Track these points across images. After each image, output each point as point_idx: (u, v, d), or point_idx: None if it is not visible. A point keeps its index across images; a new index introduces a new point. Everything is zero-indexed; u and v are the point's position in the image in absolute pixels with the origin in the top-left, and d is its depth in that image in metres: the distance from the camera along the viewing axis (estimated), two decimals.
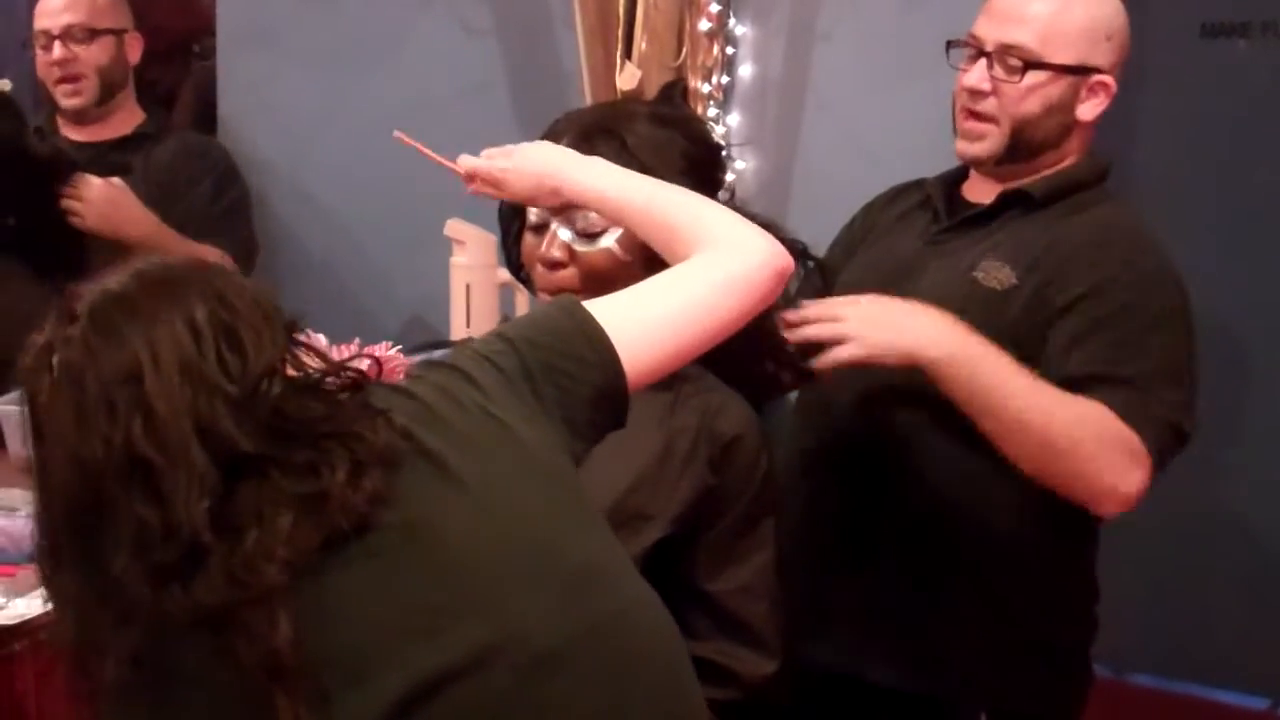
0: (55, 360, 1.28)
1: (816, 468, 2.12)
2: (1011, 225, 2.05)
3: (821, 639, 2.05)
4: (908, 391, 1.96)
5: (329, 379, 1.35)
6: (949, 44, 2.11)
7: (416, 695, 1.28)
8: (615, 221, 1.74)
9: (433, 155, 1.85)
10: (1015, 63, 2.01)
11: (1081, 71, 2.02)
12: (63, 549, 1.29)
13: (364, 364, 1.42)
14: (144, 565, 1.24)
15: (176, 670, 1.27)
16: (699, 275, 1.57)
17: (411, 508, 1.33)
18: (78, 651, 1.29)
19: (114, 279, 1.31)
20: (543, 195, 1.75)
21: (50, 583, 1.32)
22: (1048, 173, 2.07)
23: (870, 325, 1.86)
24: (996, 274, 1.99)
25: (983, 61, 2.04)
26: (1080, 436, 1.86)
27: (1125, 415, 1.87)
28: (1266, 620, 3.04)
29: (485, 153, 1.78)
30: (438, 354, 1.79)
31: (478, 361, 1.45)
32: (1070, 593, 2.09)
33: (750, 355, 1.83)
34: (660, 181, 1.71)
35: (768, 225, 1.68)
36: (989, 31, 2.04)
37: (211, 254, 3.11)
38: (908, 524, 2.04)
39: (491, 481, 1.37)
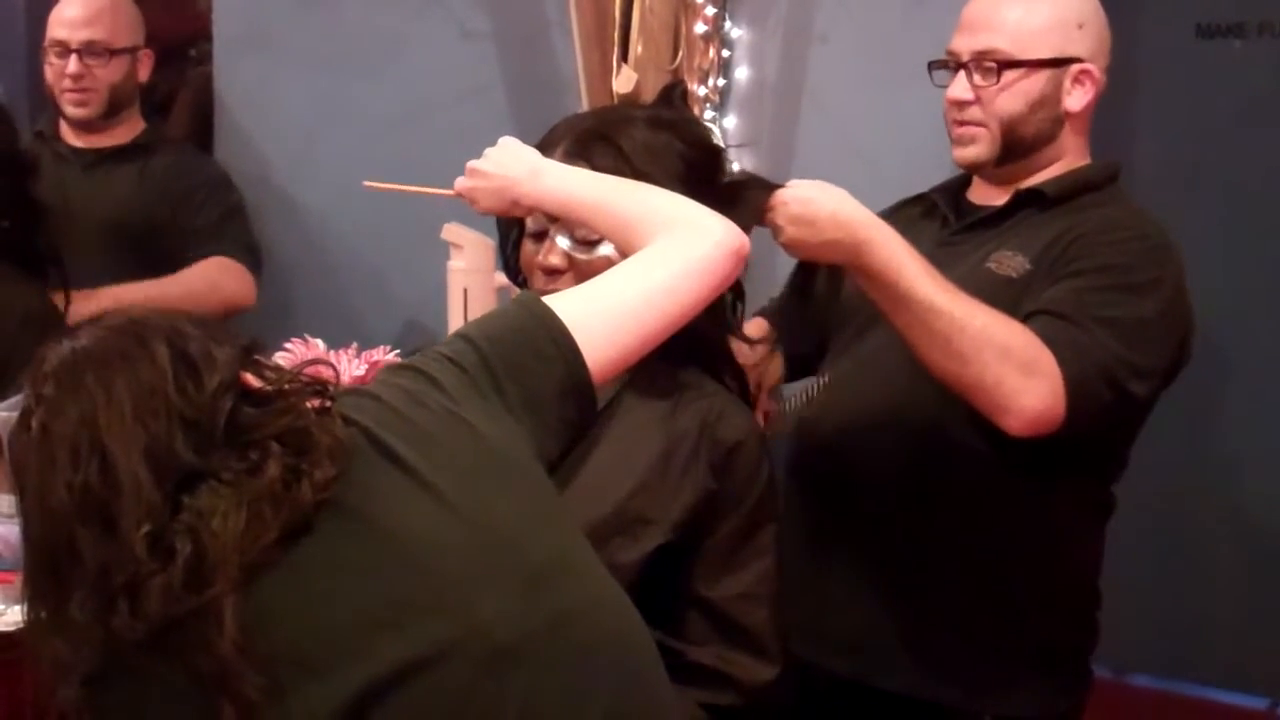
0: (33, 422, 1.33)
1: (819, 475, 2.11)
2: (1025, 222, 2.06)
3: (825, 645, 2.05)
4: (910, 398, 1.97)
5: (288, 386, 1.38)
6: (931, 65, 2.14)
7: (376, 688, 1.29)
8: (576, 223, 1.76)
9: (411, 190, 1.87)
10: (991, 66, 2.04)
11: (1059, 64, 2.04)
12: (43, 596, 1.33)
13: (324, 370, 1.44)
14: (98, 597, 1.27)
15: (136, 682, 1.30)
16: (657, 262, 1.58)
17: (372, 504, 1.35)
18: (46, 677, 1.32)
19: (81, 335, 1.36)
20: (507, 207, 1.78)
21: (31, 626, 1.35)
22: (1058, 172, 2.08)
23: (798, 226, 1.85)
24: (1010, 262, 2.00)
25: (962, 73, 2.07)
26: (986, 343, 1.84)
27: (1048, 338, 1.86)
28: (1266, 621, 3.04)
29: (467, 166, 1.81)
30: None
31: (440, 363, 1.47)
32: (1073, 598, 2.09)
33: (715, 342, 1.84)
34: (614, 179, 1.73)
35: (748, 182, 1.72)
36: (963, 44, 2.08)
37: (219, 265, 3.12)
38: (910, 531, 2.04)
39: (454, 479, 1.39)
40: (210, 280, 3.12)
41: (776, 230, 1.88)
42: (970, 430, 1.92)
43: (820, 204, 1.85)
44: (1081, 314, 1.89)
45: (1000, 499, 1.98)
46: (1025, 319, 1.90)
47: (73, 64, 3.12)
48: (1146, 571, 2.98)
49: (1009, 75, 2.04)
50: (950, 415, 1.92)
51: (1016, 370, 1.84)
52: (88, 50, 3.12)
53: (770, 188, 1.87)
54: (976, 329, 1.84)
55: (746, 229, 1.72)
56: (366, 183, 2.01)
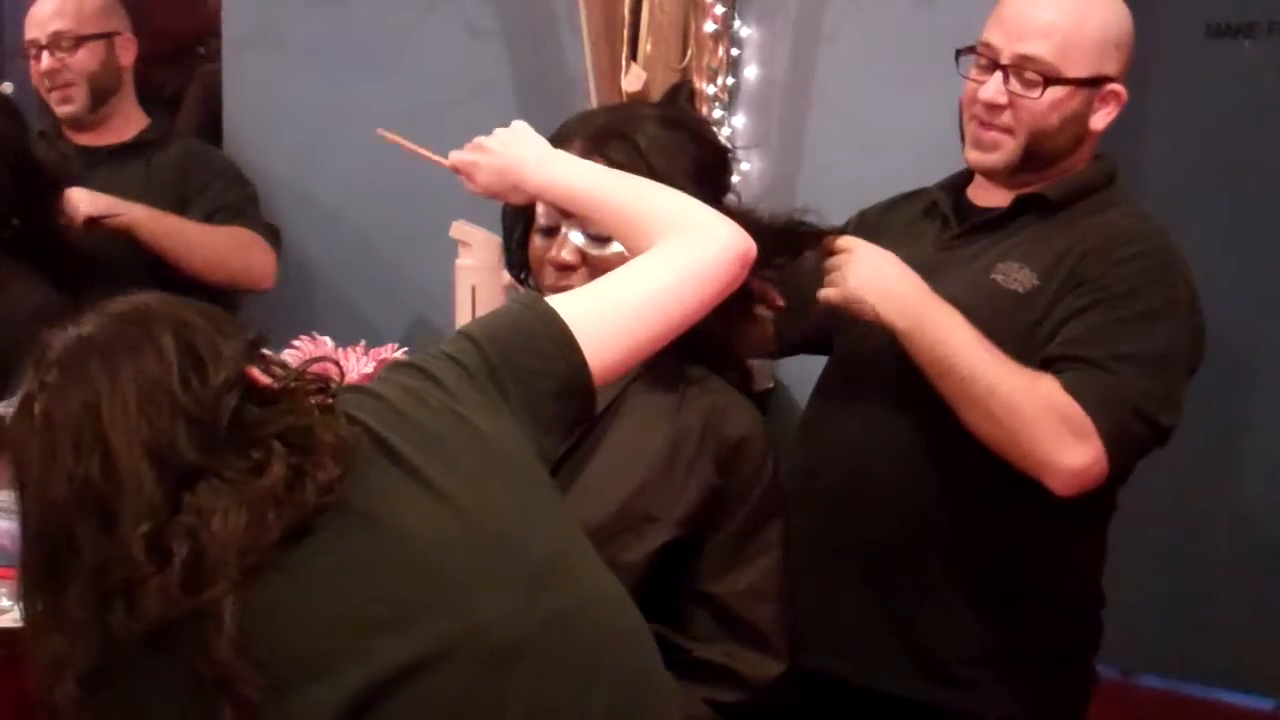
0: (35, 408, 1.32)
1: (823, 473, 2.11)
2: (1028, 229, 2.04)
3: (828, 647, 2.05)
4: (915, 401, 1.96)
5: (293, 384, 1.37)
6: (958, 52, 2.07)
7: (378, 687, 1.29)
8: (578, 215, 1.76)
9: (417, 150, 1.88)
10: (1034, 77, 1.98)
11: (1096, 83, 2.00)
12: (40, 588, 1.32)
13: (328, 367, 1.45)
14: (95, 593, 1.27)
15: (134, 679, 1.29)
16: (662, 264, 1.58)
17: (374, 503, 1.35)
18: (41, 672, 1.31)
19: (85, 321, 1.35)
20: (506, 190, 1.78)
21: (28, 620, 1.34)
22: (1062, 175, 2.07)
23: (857, 281, 1.94)
24: (1016, 275, 1.98)
25: (998, 75, 2.00)
26: (1018, 406, 1.86)
27: (1075, 392, 1.86)
28: (1272, 621, 3.04)
29: (472, 141, 1.81)
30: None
31: (442, 361, 1.47)
32: (1075, 600, 2.09)
33: (720, 340, 1.84)
34: (623, 175, 1.72)
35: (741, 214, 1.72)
36: (1004, 43, 2.00)
37: (245, 233, 3.11)
38: (914, 533, 2.03)
39: (456, 478, 1.38)
40: (238, 241, 3.09)
41: (839, 278, 1.94)
42: (972, 434, 1.91)
43: (887, 259, 1.95)
44: (1103, 354, 1.89)
45: (1002, 501, 1.98)
46: (1048, 365, 1.90)
47: (45, 60, 3.11)
48: (1153, 572, 2.98)
49: (1054, 92, 1.97)
50: (952, 419, 1.92)
51: (1053, 433, 1.85)
52: (54, 43, 3.11)
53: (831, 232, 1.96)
54: (1011, 390, 1.86)
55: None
56: (380, 130, 2.01)
